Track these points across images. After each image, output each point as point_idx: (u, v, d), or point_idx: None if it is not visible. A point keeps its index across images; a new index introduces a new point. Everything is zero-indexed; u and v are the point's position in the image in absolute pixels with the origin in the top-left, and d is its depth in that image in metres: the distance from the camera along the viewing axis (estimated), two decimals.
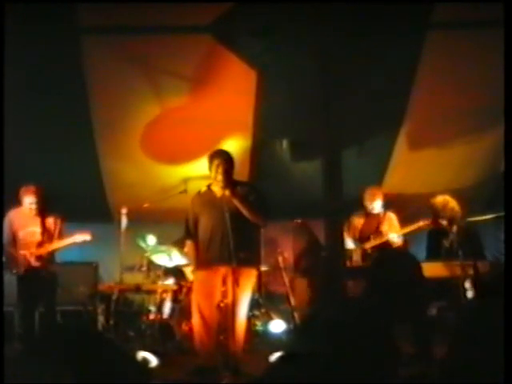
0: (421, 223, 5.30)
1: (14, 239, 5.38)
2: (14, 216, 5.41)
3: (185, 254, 6.21)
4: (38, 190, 5.33)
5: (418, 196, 5.42)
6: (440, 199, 5.07)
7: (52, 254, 5.43)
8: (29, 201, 5.32)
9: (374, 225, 5.88)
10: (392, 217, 5.89)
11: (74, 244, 5.46)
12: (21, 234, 5.38)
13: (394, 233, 5.70)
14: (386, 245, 5.75)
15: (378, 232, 5.81)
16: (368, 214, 5.94)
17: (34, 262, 5.28)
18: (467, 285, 4.63)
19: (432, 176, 6.62)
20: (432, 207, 5.07)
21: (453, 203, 5.02)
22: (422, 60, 5.44)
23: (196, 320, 4.36)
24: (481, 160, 6.59)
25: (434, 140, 6.36)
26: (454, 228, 4.87)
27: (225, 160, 4.38)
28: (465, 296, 4.53)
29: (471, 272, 4.49)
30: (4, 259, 5.35)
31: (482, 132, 6.21)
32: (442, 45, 5.29)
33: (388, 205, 6.00)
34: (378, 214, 5.91)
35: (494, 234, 5.70)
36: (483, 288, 4.78)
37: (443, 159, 6.50)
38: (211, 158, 4.40)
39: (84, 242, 5.60)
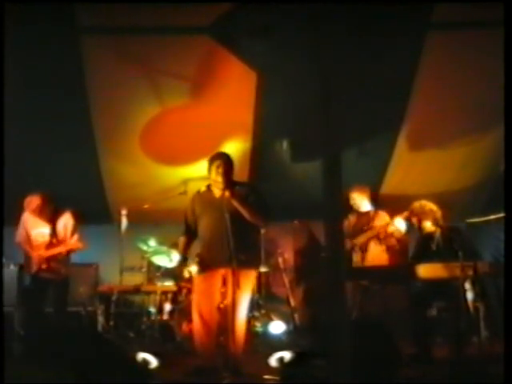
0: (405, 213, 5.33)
1: (28, 239, 5.42)
2: (28, 216, 5.46)
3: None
4: (42, 202, 5.34)
5: (418, 196, 5.40)
6: (417, 204, 5.14)
7: (64, 256, 5.46)
8: (32, 214, 5.36)
9: (365, 222, 5.89)
10: (384, 214, 5.89)
11: (72, 250, 5.49)
12: (33, 235, 5.44)
13: (397, 218, 5.57)
14: (377, 238, 5.75)
15: (368, 227, 5.81)
16: (359, 213, 5.96)
17: (44, 264, 5.31)
18: (467, 285, 4.62)
19: (432, 176, 6.63)
20: (412, 213, 5.11)
21: (430, 205, 5.06)
22: (422, 60, 5.44)
23: (196, 321, 4.36)
24: (481, 160, 6.59)
25: (434, 140, 6.36)
26: (438, 230, 4.91)
27: (225, 162, 4.39)
28: (464, 296, 4.53)
29: (471, 272, 4.49)
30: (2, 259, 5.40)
31: (482, 132, 6.20)
32: (441, 45, 5.28)
33: (379, 204, 6.01)
34: (368, 213, 5.94)
35: (494, 234, 5.70)
36: (482, 288, 4.78)
37: (443, 159, 6.50)
38: (211, 160, 4.43)
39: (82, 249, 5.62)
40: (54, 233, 5.43)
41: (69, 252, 5.49)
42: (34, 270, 5.32)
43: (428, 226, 5.03)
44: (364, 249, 5.79)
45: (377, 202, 6.14)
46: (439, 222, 5.00)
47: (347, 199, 5.90)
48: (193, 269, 5.85)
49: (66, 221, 5.51)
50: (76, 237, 5.49)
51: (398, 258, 5.80)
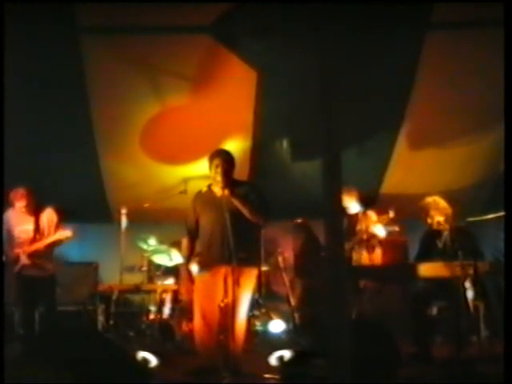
0: (396, 228, 5.33)
1: (10, 238, 5.41)
2: (10, 214, 5.45)
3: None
4: (28, 193, 5.36)
5: (417, 196, 5.40)
6: (430, 199, 5.07)
7: (48, 252, 5.43)
8: (19, 205, 5.36)
9: (351, 225, 5.85)
10: (370, 215, 5.83)
11: (60, 242, 5.46)
12: (16, 232, 5.42)
13: (376, 224, 5.61)
14: (362, 242, 5.74)
15: (354, 231, 5.79)
16: (348, 215, 5.93)
17: (27, 260, 5.29)
18: (467, 284, 4.62)
19: (432, 176, 6.62)
20: (424, 209, 5.07)
21: (443, 203, 5.02)
22: (422, 60, 5.43)
23: (198, 320, 4.36)
24: (481, 160, 6.59)
25: (434, 140, 6.36)
26: (447, 228, 4.87)
27: (224, 160, 4.38)
28: (465, 296, 4.53)
29: (471, 272, 4.48)
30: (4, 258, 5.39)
31: (482, 132, 6.20)
32: (442, 45, 5.28)
33: (387, 204, 6.00)
34: (356, 214, 5.90)
35: (493, 234, 5.70)
36: (483, 288, 4.78)
37: (443, 159, 6.50)
38: (211, 158, 4.41)
39: (84, 242, 5.61)
40: (37, 228, 5.42)
41: (55, 244, 5.46)
42: (18, 268, 5.30)
43: (441, 222, 4.96)
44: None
45: (365, 202, 6.07)
46: (449, 221, 4.94)
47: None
48: (193, 268, 5.87)
49: (49, 216, 5.49)
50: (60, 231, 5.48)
51: (392, 258, 5.79)
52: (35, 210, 5.45)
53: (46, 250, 5.40)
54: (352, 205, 5.91)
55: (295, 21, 4.33)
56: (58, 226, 5.49)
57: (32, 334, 5.17)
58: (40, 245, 5.35)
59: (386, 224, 5.53)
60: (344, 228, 5.87)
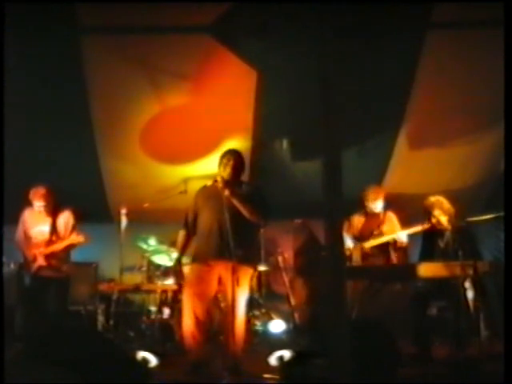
0: (424, 226, 5.30)
1: (27, 238, 5.44)
2: (27, 214, 5.49)
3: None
4: (48, 192, 5.38)
5: (418, 196, 5.41)
6: (434, 199, 5.06)
7: (63, 253, 5.46)
8: (38, 204, 5.39)
9: (374, 224, 5.86)
10: (392, 216, 5.88)
11: (73, 246, 5.49)
12: (32, 233, 5.46)
13: (399, 231, 5.65)
14: (386, 244, 5.74)
15: (378, 232, 5.80)
16: (368, 214, 5.93)
17: (43, 262, 5.32)
18: (467, 285, 4.62)
19: (432, 176, 6.62)
20: (428, 208, 5.06)
21: (447, 203, 5.02)
22: (422, 60, 5.44)
23: (187, 315, 4.28)
24: (481, 160, 6.59)
25: (434, 140, 6.35)
26: (450, 228, 4.86)
27: (235, 159, 4.43)
28: (465, 296, 4.53)
29: (471, 272, 4.48)
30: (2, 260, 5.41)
31: (482, 132, 6.20)
32: (442, 45, 5.28)
33: (388, 205, 6.00)
34: (378, 214, 5.90)
35: (494, 233, 5.70)
36: (483, 288, 4.78)
37: (443, 159, 6.50)
38: (222, 157, 4.48)
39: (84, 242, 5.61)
40: (54, 230, 5.44)
41: (70, 247, 5.49)
42: (35, 269, 5.33)
43: (443, 222, 4.95)
44: (375, 253, 5.76)
45: (388, 203, 6.08)
46: (453, 220, 4.93)
47: (362, 200, 5.90)
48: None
49: (66, 218, 5.54)
50: (75, 234, 5.50)
51: (399, 258, 5.80)
52: (53, 211, 5.48)
53: (62, 251, 5.44)
54: (378, 205, 5.89)
55: (295, 20, 4.33)
56: (73, 229, 5.52)
57: (37, 334, 5.17)
58: (56, 247, 5.38)
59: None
60: (361, 227, 5.90)
